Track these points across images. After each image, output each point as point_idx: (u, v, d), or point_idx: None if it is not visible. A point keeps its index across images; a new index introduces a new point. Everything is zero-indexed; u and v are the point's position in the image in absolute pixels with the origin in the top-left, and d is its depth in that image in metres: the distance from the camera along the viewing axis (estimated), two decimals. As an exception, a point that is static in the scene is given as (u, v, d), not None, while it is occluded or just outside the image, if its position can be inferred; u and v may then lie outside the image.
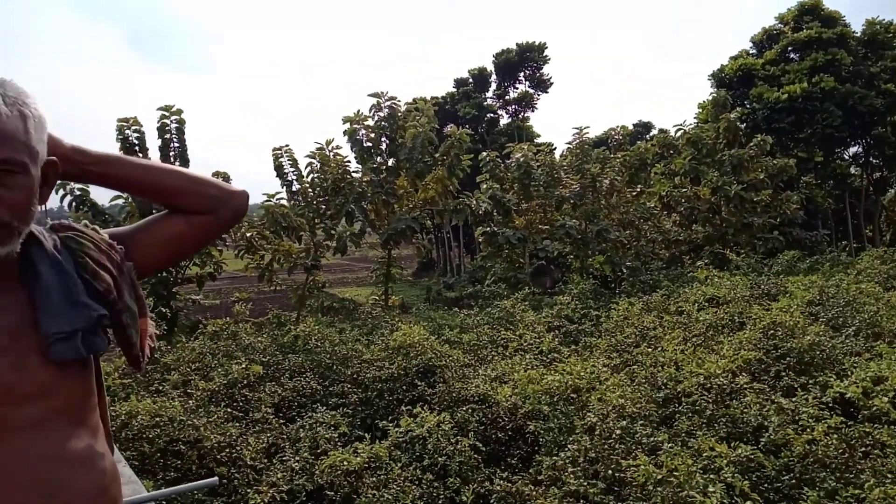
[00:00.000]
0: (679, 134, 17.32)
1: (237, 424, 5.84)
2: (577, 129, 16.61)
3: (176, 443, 5.13)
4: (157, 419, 5.29)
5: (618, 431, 5.08)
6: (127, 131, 11.55)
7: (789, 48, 22.36)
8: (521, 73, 34.43)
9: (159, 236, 1.34)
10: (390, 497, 4.64)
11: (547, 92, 34.91)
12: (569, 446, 5.20)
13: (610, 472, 4.68)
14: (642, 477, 4.29)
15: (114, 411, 5.53)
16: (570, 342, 9.03)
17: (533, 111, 35.18)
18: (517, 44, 33.86)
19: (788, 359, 6.51)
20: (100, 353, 1.30)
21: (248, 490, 4.81)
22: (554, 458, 5.16)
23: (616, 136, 19.08)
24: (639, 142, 20.81)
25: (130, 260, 1.29)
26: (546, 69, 34.61)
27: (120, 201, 11.25)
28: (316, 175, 13.41)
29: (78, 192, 10.94)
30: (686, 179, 16.76)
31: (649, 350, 7.32)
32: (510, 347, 8.47)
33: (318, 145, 13.46)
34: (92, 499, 1.19)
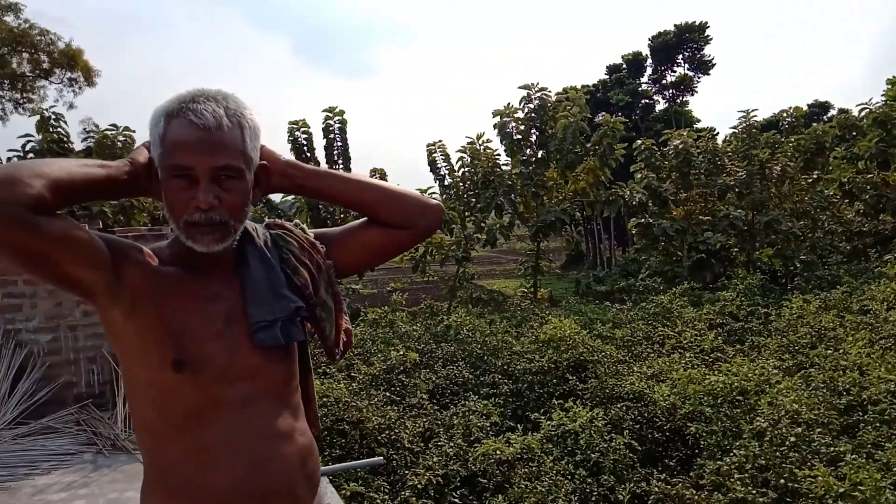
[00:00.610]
0: (864, 114, 15.48)
1: (395, 408, 6.11)
2: (743, 112, 15.41)
3: (341, 422, 5.46)
4: (325, 399, 5.66)
5: (792, 438, 4.69)
6: (297, 133, 12.46)
7: None
8: (680, 56, 32.66)
9: (358, 242, 1.43)
10: (543, 489, 4.62)
11: (708, 74, 32.91)
12: (735, 451, 4.89)
13: (782, 481, 4.33)
14: (821, 489, 3.93)
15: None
16: (734, 341, 8.46)
17: (692, 95, 33.33)
18: (675, 25, 32.20)
19: None
20: (300, 342, 1.43)
21: (406, 471, 5.02)
22: (718, 462, 4.88)
23: (788, 119, 17.43)
24: (815, 124, 18.89)
25: (331, 259, 1.40)
26: (707, 50, 32.60)
27: (290, 199, 12.17)
28: (466, 169, 13.63)
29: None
30: (872, 164, 14.92)
31: (828, 352, 6.67)
32: (667, 345, 8.10)
33: (469, 140, 13.66)
34: (293, 470, 1.30)
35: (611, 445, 5.25)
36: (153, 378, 1.21)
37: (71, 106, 22.88)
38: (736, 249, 15.36)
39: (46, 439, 4.47)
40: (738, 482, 4.46)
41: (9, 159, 11.46)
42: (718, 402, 5.82)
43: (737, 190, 14.47)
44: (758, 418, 5.20)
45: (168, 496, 1.24)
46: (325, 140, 12.74)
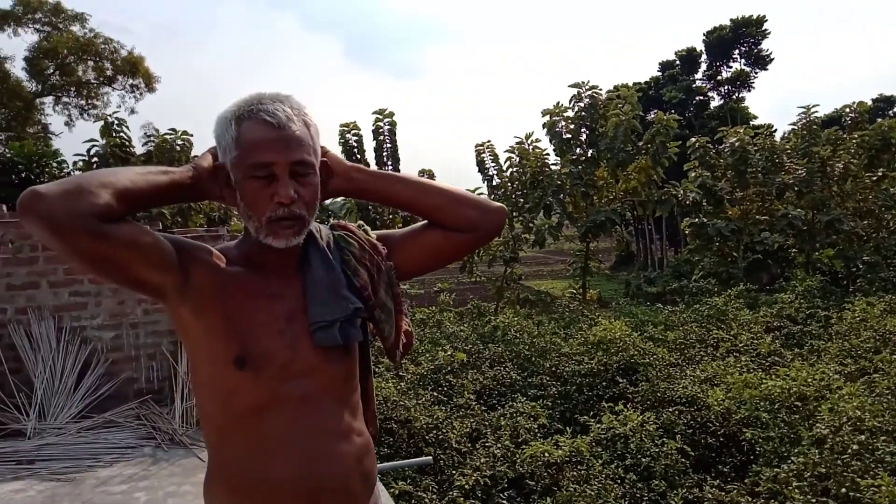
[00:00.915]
0: (935, 107, 14.72)
1: (442, 408, 6.13)
2: (803, 107, 14.89)
3: (389, 421, 5.51)
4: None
5: (854, 446, 4.50)
6: (347, 135, 12.64)
7: None
8: (736, 51, 31.76)
9: (420, 245, 1.43)
10: (592, 493, 4.56)
11: (766, 69, 31.90)
12: (793, 458, 4.73)
13: (844, 490, 4.16)
14: (885, 499, 3.77)
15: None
16: (792, 345, 8.19)
17: (749, 91, 32.39)
18: (731, 19, 31.33)
19: None
20: (361, 342, 1.45)
21: (454, 472, 5.03)
22: (775, 470, 4.72)
23: (851, 114, 16.73)
24: (880, 119, 18.08)
25: (392, 261, 1.41)
26: (765, 44, 31.60)
27: (340, 200, 12.36)
28: (515, 169, 13.57)
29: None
30: (942, 160, 14.23)
31: (894, 357, 6.38)
32: (722, 348, 7.89)
33: (518, 139, 13.60)
34: (349, 468, 1.33)
35: (662, 450, 5.14)
36: (217, 374, 1.26)
37: (132, 111, 23.81)
38: (794, 250, 14.86)
39: (108, 433, 4.66)
40: (796, 490, 4.31)
41: (75, 164, 11.98)
42: (776, 407, 5.64)
43: (796, 188, 13.99)
44: (818, 425, 5.02)
45: (228, 488, 1.28)
46: (374, 142, 12.88)
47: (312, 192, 1.26)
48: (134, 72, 22.69)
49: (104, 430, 4.68)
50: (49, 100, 22.71)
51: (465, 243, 1.42)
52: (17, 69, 21.49)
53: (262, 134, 1.20)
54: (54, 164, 10.98)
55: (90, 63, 22.47)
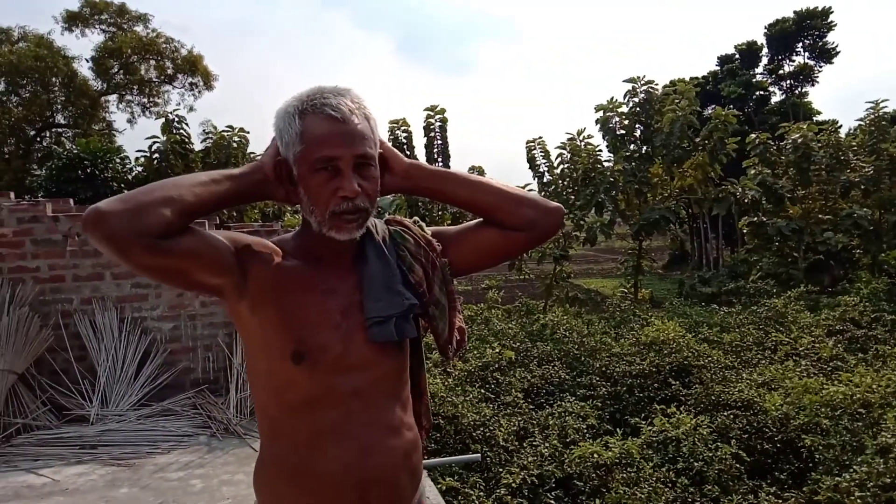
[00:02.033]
0: None
1: (490, 405, 6.11)
2: (871, 102, 14.23)
3: (436, 417, 5.52)
4: (421, 393, 5.75)
5: (923, 458, 4.28)
6: (397, 131, 12.73)
7: None
8: (799, 44, 30.60)
9: (475, 243, 1.42)
10: (642, 496, 4.48)
11: (831, 62, 30.65)
12: (855, 467, 4.53)
13: (911, 504, 3.96)
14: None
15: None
16: (856, 349, 7.85)
17: (812, 86, 31.18)
18: (795, 12, 30.22)
19: None
20: (413, 338, 1.45)
21: (501, 469, 5.01)
22: (836, 478, 4.54)
23: (924, 109, 15.92)
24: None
25: (447, 258, 1.41)
26: (830, 37, 30.35)
27: (389, 197, 12.45)
28: (566, 166, 13.43)
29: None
30: None
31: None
32: (781, 351, 7.64)
33: (570, 135, 13.45)
34: (397, 462, 1.34)
35: (716, 454, 5.01)
36: (273, 367, 1.27)
37: (191, 109, 24.59)
38: (859, 251, 14.24)
39: (166, 421, 4.82)
40: (858, 500, 4.13)
41: (137, 160, 12.42)
42: (837, 413, 5.42)
43: (862, 187, 13.41)
44: (883, 433, 4.80)
45: (279, 476, 1.30)
46: (425, 138, 12.94)
47: (374, 185, 1.27)
48: (193, 70, 23.37)
49: (162, 418, 4.84)
50: (113, 98, 23.62)
51: (522, 242, 1.40)
52: (84, 69, 22.42)
53: (326, 128, 1.21)
54: (118, 160, 11.41)
55: (152, 62, 23.25)
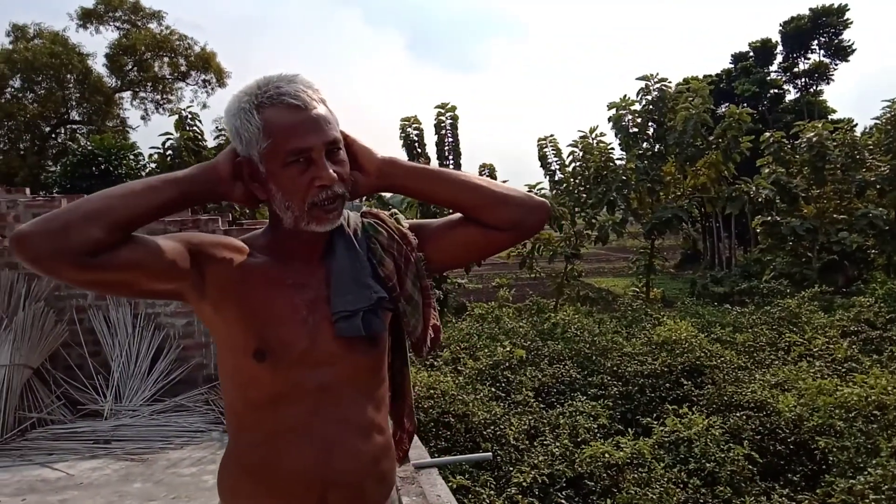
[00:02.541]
0: None
1: (500, 404, 6.10)
2: (887, 101, 14.08)
3: (446, 415, 5.53)
4: (432, 391, 5.76)
5: (939, 462, 4.24)
6: (409, 129, 12.72)
7: None
8: (815, 42, 30.30)
9: (455, 239, 1.35)
10: (654, 496, 4.46)
11: (847, 60, 30.32)
12: (870, 470, 4.49)
13: (927, 508, 3.92)
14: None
15: (395, 380, 6.15)
16: (871, 351, 7.78)
17: (827, 84, 30.85)
18: (810, 9, 29.90)
19: None
20: (394, 336, 1.41)
21: (511, 468, 5.00)
22: (850, 481, 4.50)
23: (942, 107, 15.71)
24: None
25: (423, 252, 1.34)
26: (846, 34, 30.04)
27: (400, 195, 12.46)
28: (578, 164, 13.37)
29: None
30: None
31: None
32: (794, 352, 7.58)
33: (582, 133, 13.39)
34: (364, 466, 1.28)
35: (728, 455, 4.98)
36: (238, 365, 1.24)
37: (204, 106, 24.64)
38: (874, 251, 14.09)
39: (179, 416, 4.85)
40: (872, 503, 4.09)
41: (150, 156, 12.49)
42: (852, 416, 5.38)
43: (878, 186, 13.27)
44: (898, 437, 4.76)
45: (242, 473, 1.27)
46: (436, 136, 12.92)
47: (346, 168, 1.22)
48: (206, 67, 23.44)
49: (175, 414, 4.87)
50: (127, 95, 23.75)
51: (504, 241, 1.34)
52: (99, 65, 22.57)
53: (291, 119, 1.15)
54: (131, 157, 11.49)
55: (165, 59, 23.34)
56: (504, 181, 12.22)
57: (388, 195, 12.70)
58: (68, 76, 21.23)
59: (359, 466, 1.27)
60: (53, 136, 22.23)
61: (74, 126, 22.60)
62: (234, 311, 1.21)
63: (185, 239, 1.21)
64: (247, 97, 1.18)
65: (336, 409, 1.25)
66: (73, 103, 22.13)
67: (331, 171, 1.16)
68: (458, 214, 1.35)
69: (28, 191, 5.35)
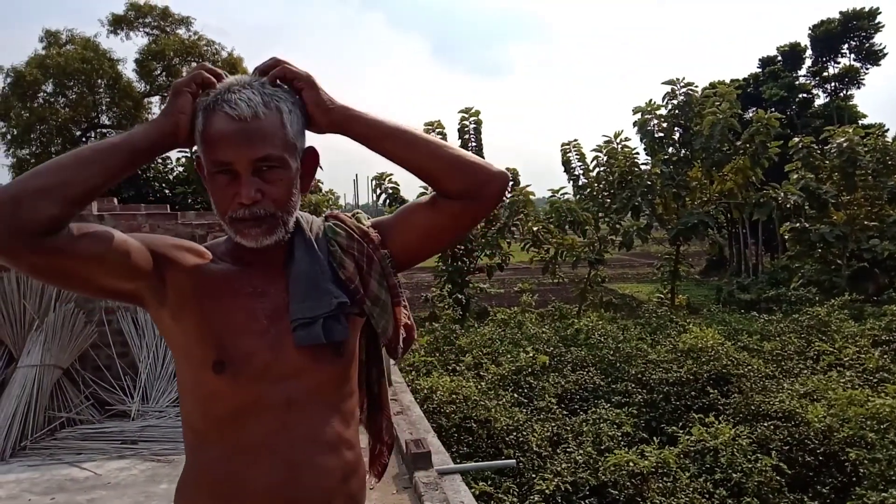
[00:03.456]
0: None
1: (523, 410, 6.07)
2: (920, 105, 13.76)
3: (468, 420, 5.51)
4: (454, 397, 5.74)
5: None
6: (432, 134, 12.73)
7: None
8: (845, 46, 29.78)
9: (411, 226, 1.28)
10: (679, 507, 4.40)
11: (878, 65, 29.73)
12: (902, 484, 4.38)
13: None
14: None
15: (417, 385, 6.16)
16: (903, 361, 7.58)
17: (858, 88, 30.25)
18: (841, 12, 29.38)
19: None
20: (370, 345, 1.35)
21: (534, 475, 4.97)
22: (882, 494, 4.40)
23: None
24: None
25: (388, 248, 1.26)
26: (877, 38, 29.49)
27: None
28: (602, 168, 13.28)
29: (390, 191, 12.34)
30: None
31: None
32: (824, 361, 7.44)
33: (606, 138, 13.29)
34: (332, 484, 1.22)
35: (756, 466, 4.89)
36: (197, 378, 1.18)
37: (231, 110, 24.88)
38: (907, 259, 13.77)
39: (204, 416, 4.90)
40: (906, 520, 3.99)
41: (178, 160, 12.66)
42: (884, 427, 5.25)
43: (911, 192, 12.96)
44: (932, 450, 4.63)
45: (201, 494, 1.21)
46: (459, 140, 12.92)
47: (283, 189, 1.14)
48: (233, 72, 23.60)
49: (200, 415, 4.91)
50: (156, 99, 24.12)
51: (458, 214, 1.23)
52: (129, 71, 22.98)
53: (222, 129, 1.10)
54: (159, 161, 11.66)
55: (193, 64, 23.66)
56: (526, 185, 11.92)
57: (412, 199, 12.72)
58: (99, 81, 21.65)
59: (326, 484, 1.21)
60: (84, 139, 22.67)
61: (104, 130, 23.01)
62: (193, 320, 1.16)
63: (148, 240, 1.18)
64: (206, 96, 1.14)
65: (302, 425, 1.19)
66: (104, 108, 22.55)
67: (252, 189, 1.10)
68: (412, 201, 1.30)
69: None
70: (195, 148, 1.19)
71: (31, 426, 4.52)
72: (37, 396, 4.59)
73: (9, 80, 20.47)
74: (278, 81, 1.17)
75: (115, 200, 5.83)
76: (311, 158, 1.24)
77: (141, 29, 23.16)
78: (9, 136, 21.25)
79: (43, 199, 0.98)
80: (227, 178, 1.12)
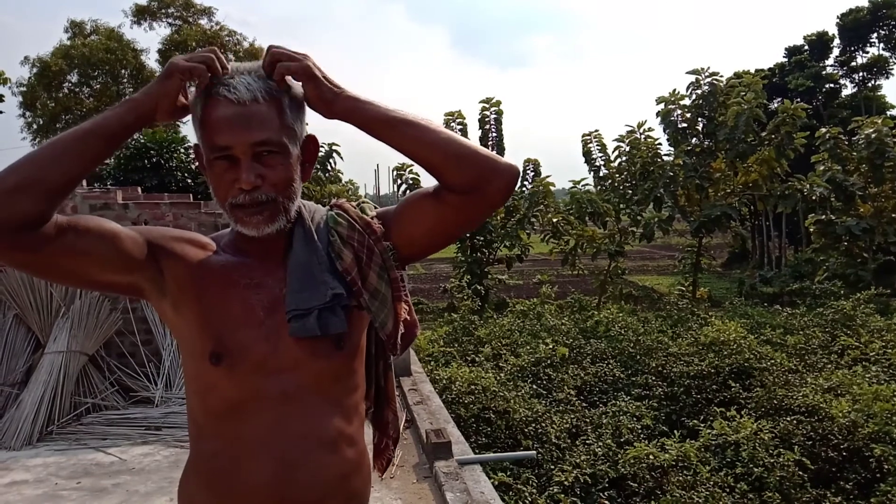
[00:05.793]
0: None
1: (542, 402, 6.06)
2: (952, 96, 13.43)
3: (487, 411, 5.51)
4: (473, 387, 5.75)
5: None
6: (452, 124, 12.70)
7: None
8: (874, 35, 29.13)
9: (415, 218, 1.22)
10: (699, 500, 4.37)
11: (908, 54, 29.02)
12: (929, 482, 4.31)
13: None
14: None
15: (436, 375, 6.18)
16: (930, 356, 7.44)
17: (887, 78, 29.58)
18: (870, 1, 28.71)
19: None
20: (376, 338, 1.32)
21: (553, 467, 4.96)
22: (907, 492, 4.33)
23: None
24: None
25: (391, 241, 1.22)
26: (908, 26, 28.77)
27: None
28: (624, 159, 13.15)
29: (411, 181, 12.33)
30: None
31: None
32: (849, 356, 7.32)
33: (629, 128, 13.16)
34: (329, 483, 1.19)
35: (778, 461, 4.84)
36: (197, 370, 1.18)
37: (252, 100, 25.05)
38: (936, 252, 13.49)
39: (226, 404, 4.96)
40: (932, 518, 3.93)
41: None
42: (910, 424, 5.16)
43: (941, 185, 12.67)
44: (960, 447, 4.55)
45: (200, 484, 1.21)
46: (480, 131, 12.88)
47: (283, 174, 1.13)
48: (254, 63, 23.88)
49: (222, 402, 4.97)
50: (179, 89, 24.41)
51: (464, 208, 1.16)
52: (152, 61, 23.21)
53: (221, 113, 1.09)
54: (182, 150, 11.76)
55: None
56: (546, 176, 11.88)
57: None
58: (122, 71, 21.92)
59: (323, 482, 1.18)
60: (108, 129, 22.98)
61: (128, 119, 23.33)
62: (192, 311, 1.16)
63: (146, 231, 1.18)
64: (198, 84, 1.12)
65: (300, 420, 1.17)
66: (127, 97, 22.87)
67: (252, 174, 1.09)
68: (416, 192, 1.25)
69: (84, 182, 5.52)
70: (195, 140, 1.18)
71: (57, 411, 4.61)
72: (63, 382, 4.68)
73: (35, 70, 20.77)
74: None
75: (139, 189, 5.90)
76: (311, 146, 1.23)
77: (164, 19, 23.37)
78: (34, 126, 21.58)
79: (21, 195, 0.96)
80: (226, 164, 1.11)
